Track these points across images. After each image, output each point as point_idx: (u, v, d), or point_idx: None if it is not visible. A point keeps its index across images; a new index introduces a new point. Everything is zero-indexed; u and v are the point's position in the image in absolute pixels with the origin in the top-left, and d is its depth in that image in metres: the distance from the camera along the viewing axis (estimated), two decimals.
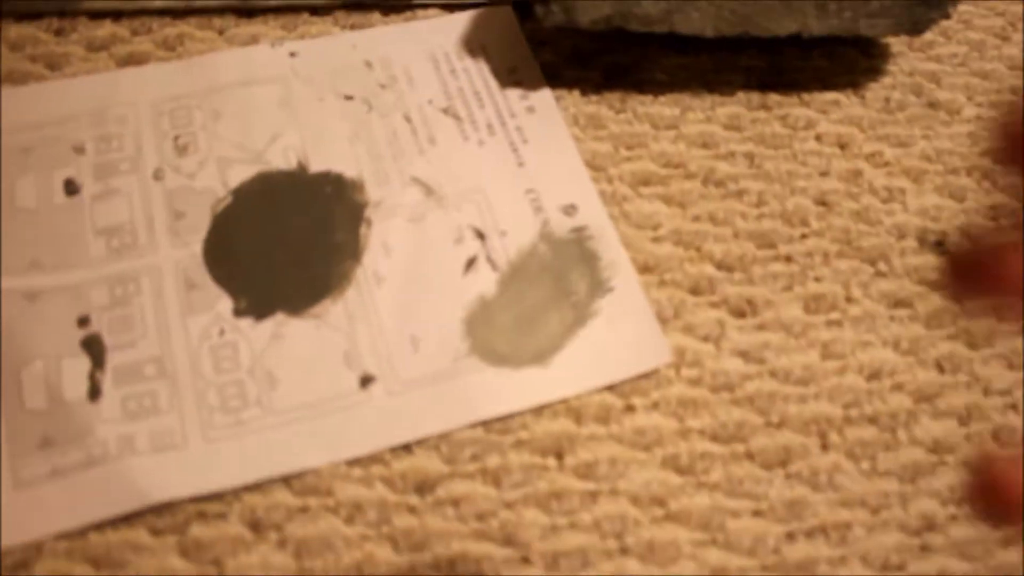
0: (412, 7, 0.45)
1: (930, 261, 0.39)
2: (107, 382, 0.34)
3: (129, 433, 0.33)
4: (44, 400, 0.33)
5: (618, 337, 0.36)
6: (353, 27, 0.44)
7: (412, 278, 0.37)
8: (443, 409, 0.34)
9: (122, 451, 0.33)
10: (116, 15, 0.43)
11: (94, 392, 0.34)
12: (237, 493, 0.32)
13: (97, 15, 0.43)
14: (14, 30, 0.42)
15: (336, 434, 0.34)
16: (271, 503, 0.32)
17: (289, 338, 0.35)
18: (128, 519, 0.32)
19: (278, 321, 0.36)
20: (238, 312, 0.36)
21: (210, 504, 0.32)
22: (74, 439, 0.33)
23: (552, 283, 0.37)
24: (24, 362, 0.34)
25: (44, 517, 0.31)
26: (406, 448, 0.34)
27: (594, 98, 0.43)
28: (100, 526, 0.31)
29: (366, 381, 0.35)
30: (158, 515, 0.32)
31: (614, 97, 0.43)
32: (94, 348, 0.34)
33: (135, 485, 0.32)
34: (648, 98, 0.43)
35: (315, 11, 0.44)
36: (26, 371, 0.34)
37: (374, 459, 0.33)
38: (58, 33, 0.42)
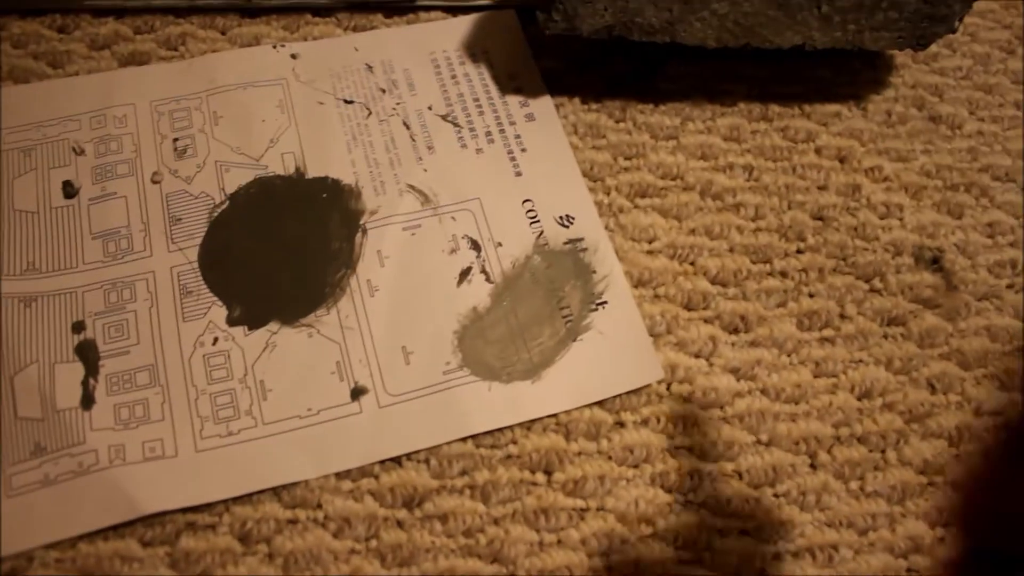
0: (415, 9, 0.43)
1: (925, 279, 0.38)
2: (100, 390, 0.33)
3: (120, 442, 0.32)
4: (37, 408, 0.32)
5: (610, 353, 0.35)
6: (355, 29, 0.43)
7: (406, 288, 0.36)
8: (433, 423, 0.34)
9: (113, 460, 0.32)
10: (119, 12, 0.42)
11: (87, 400, 0.33)
12: (227, 504, 0.32)
13: (100, 12, 0.42)
14: (17, 26, 0.41)
15: (327, 447, 0.33)
16: (261, 515, 0.32)
17: (282, 347, 0.34)
18: (118, 529, 0.31)
19: (271, 330, 0.35)
20: (232, 320, 0.35)
21: (200, 515, 0.31)
22: (66, 447, 0.32)
23: (545, 296, 0.36)
24: (18, 368, 0.33)
25: (36, 527, 0.31)
26: (396, 462, 0.33)
27: (594, 106, 0.41)
28: (90, 536, 0.31)
29: (357, 393, 0.34)
30: (148, 525, 0.31)
31: (614, 105, 0.41)
32: (88, 354, 0.34)
33: (126, 495, 0.31)
34: (648, 107, 0.41)
35: (317, 12, 0.43)
36: (19, 377, 0.33)
37: (364, 472, 0.33)
38: (61, 30, 0.41)
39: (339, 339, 0.35)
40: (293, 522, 0.32)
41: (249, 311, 0.35)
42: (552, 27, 0.38)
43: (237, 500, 0.32)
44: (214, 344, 0.34)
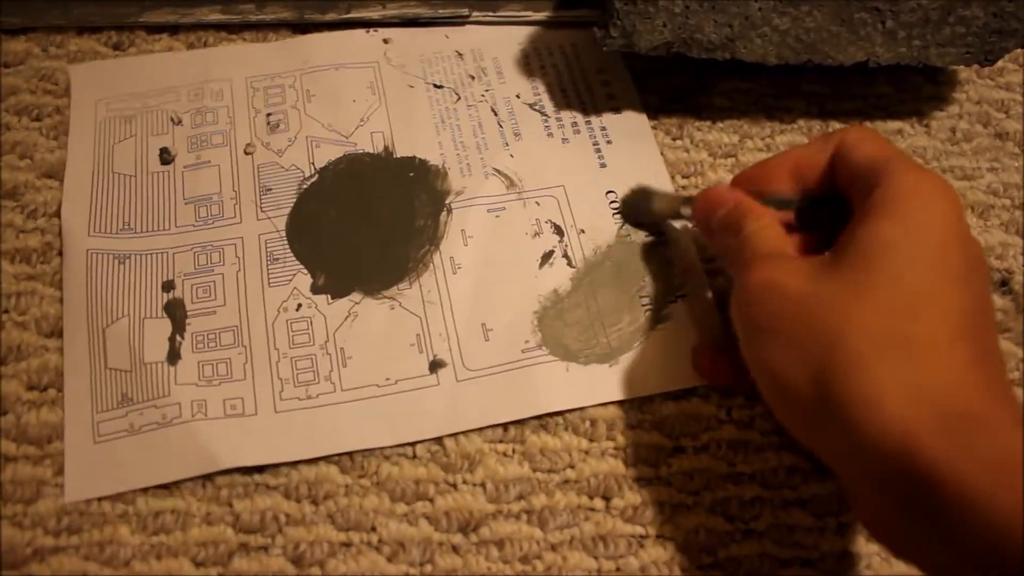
0: (467, 23, 0.43)
1: (994, 302, 0.37)
2: (186, 346, 0.34)
3: (203, 397, 0.33)
4: (126, 359, 0.33)
5: (686, 344, 0.35)
6: None
7: (488, 267, 0.36)
8: (510, 399, 0.33)
9: (195, 414, 0.32)
10: (172, 29, 0.42)
11: (173, 355, 0.33)
12: (280, 525, 0.31)
13: (154, 29, 0.42)
14: (74, 43, 0.41)
15: (403, 416, 0.33)
16: (314, 537, 0.31)
17: (363, 317, 0.35)
18: (171, 550, 0.31)
19: (354, 300, 0.35)
20: (316, 288, 0.35)
21: (253, 536, 0.31)
22: (151, 399, 0.32)
23: (626, 284, 0.36)
24: (110, 320, 0.34)
25: (121, 473, 0.31)
26: (451, 485, 0.32)
27: (651, 123, 0.41)
28: (142, 554, 0.30)
29: (436, 366, 0.34)
30: (201, 545, 0.31)
31: (671, 123, 0.41)
32: (176, 312, 0.34)
33: (205, 449, 0.32)
34: (705, 124, 0.41)
35: (368, 28, 0.43)
36: (111, 329, 0.34)
37: (418, 495, 0.32)
38: (116, 47, 0.41)
39: (420, 313, 0.35)
40: (347, 545, 0.31)
41: (333, 281, 0.35)
42: (609, 43, 0.37)
43: (291, 522, 0.31)
44: (297, 310, 0.35)
